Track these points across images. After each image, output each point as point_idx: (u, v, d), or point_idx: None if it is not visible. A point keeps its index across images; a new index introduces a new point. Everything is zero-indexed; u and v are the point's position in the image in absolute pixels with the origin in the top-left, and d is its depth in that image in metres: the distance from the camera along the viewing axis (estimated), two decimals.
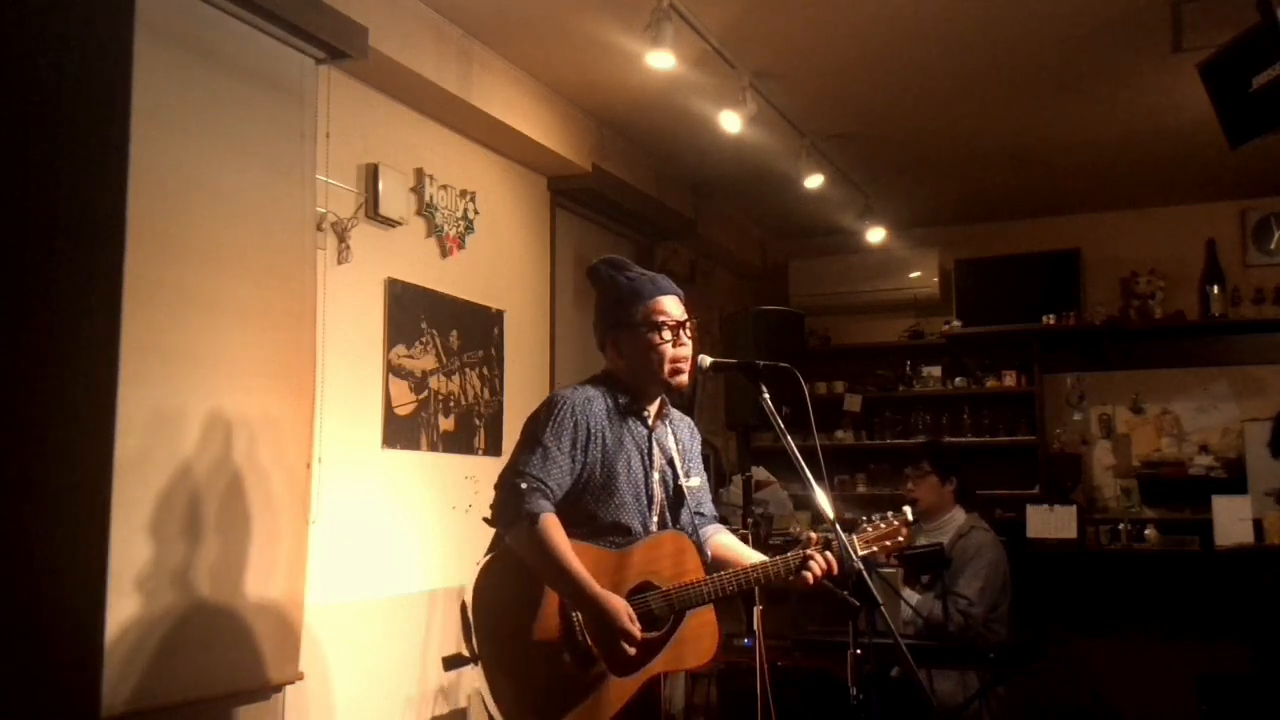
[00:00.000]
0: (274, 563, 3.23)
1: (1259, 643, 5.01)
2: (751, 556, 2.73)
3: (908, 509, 2.80)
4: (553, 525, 2.37)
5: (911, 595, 4.14)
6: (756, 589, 2.86)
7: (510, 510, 2.38)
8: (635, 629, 2.38)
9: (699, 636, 2.57)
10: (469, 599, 2.39)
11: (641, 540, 2.54)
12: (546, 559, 2.35)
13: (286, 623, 3.25)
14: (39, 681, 2.77)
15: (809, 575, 2.57)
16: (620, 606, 2.37)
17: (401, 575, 4.07)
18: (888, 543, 2.74)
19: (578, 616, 2.39)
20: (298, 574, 3.31)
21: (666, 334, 2.58)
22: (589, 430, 2.50)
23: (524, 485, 2.38)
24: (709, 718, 4.68)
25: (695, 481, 2.70)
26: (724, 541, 2.77)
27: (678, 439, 2.71)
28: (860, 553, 2.59)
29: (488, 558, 2.45)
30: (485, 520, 2.49)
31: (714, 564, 2.66)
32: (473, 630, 2.36)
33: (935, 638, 3.95)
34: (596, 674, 2.41)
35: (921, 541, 4.28)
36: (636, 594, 2.48)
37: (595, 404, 2.55)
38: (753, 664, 3.05)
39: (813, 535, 2.67)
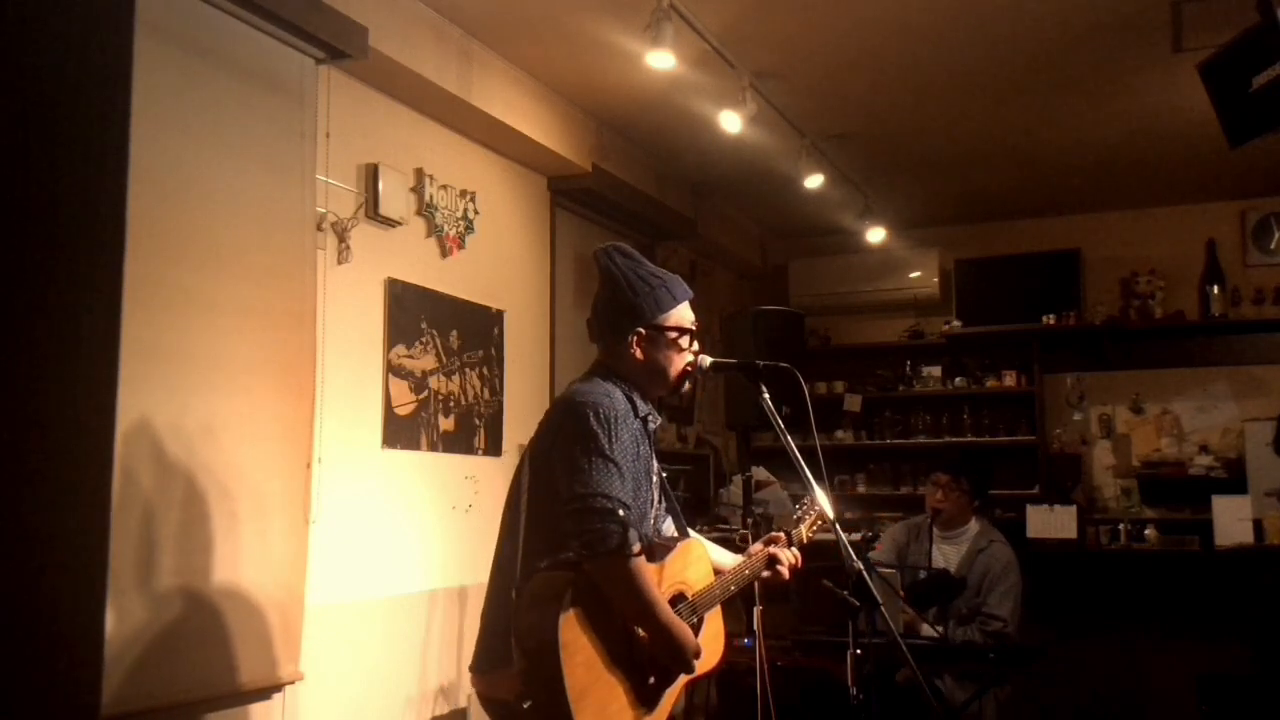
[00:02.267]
0: (274, 563, 3.23)
1: (1259, 643, 5.01)
2: (712, 546, 2.80)
3: (818, 490, 2.64)
4: (644, 559, 2.31)
5: (930, 629, 4.01)
6: (756, 588, 2.88)
7: (615, 538, 2.22)
8: (699, 648, 2.45)
9: (714, 636, 2.59)
10: (557, 638, 2.18)
11: (672, 551, 2.52)
12: (640, 593, 2.28)
13: (286, 623, 3.25)
14: (39, 681, 2.77)
15: (783, 570, 2.70)
16: (690, 635, 2.42)
17: (401, 575, 4.07)
18: (814, 528, 2.92)
19: (640, 638, 2.35)
20: (298, 574, 3.31)
21: (688, 342, 2.58)
22: (636, 443, 2.43)
23: (622, 513, 2.25)
24: (709, 718, 4.67)
25: (664, 474, 2.70)
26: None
27: None
28: (830, 511, 2.68)
29: (564, 591, 2.23)
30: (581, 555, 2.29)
31: None
32: (562, 669, 2.18)
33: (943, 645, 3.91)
34: (652, 691, 2.40)
35: (939, 550, 4.25)
36: (672, 606, 2.47)
37: (628, 415, 2.45)
38: (753, 664, 3.05)
39: (779, 535, 2.78)
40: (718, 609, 2.61)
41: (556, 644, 2.18)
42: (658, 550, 2.50)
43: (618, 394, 2.46)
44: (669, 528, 2.69)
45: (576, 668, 2.20)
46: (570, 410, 2.41)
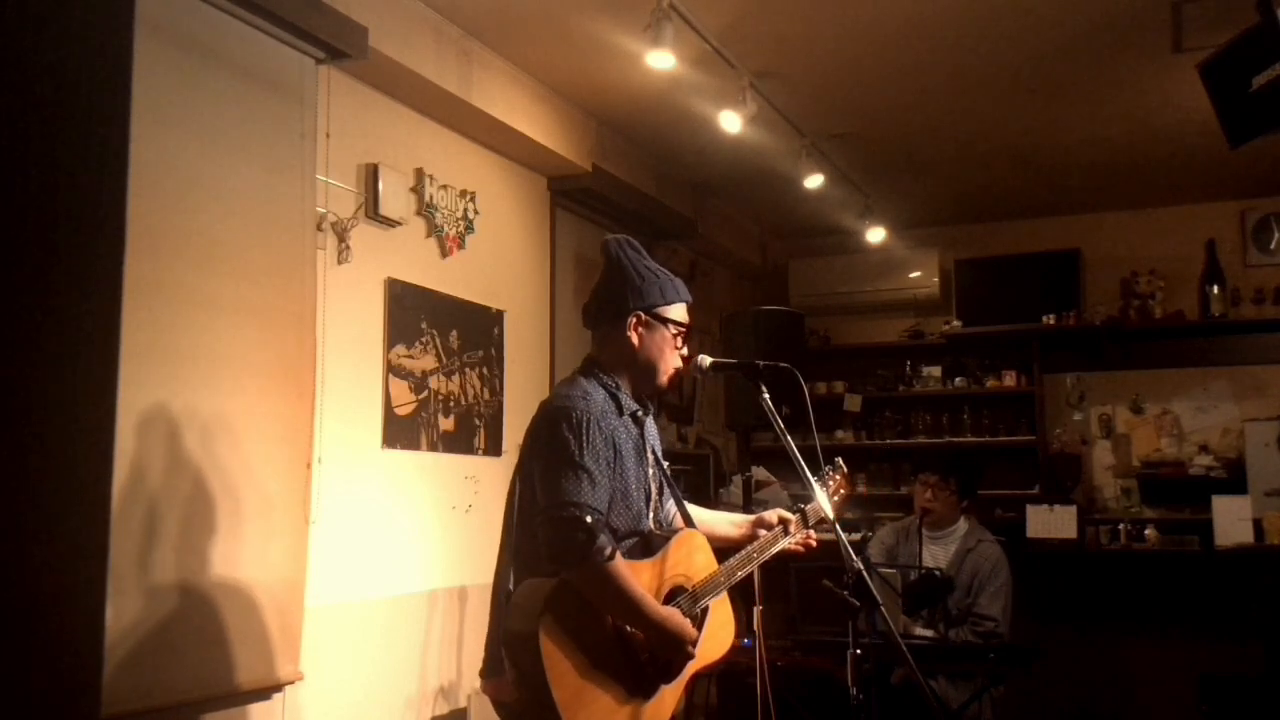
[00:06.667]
0: (274, 563, 3.23)
1: (1271, 643, 4.99)
2: (721, 519, 2.84)
3: (840, 459, 2.99)
4: (621, 559, 2.32)
5: (925, 630, 4.04)
6: (756, 588, 2.88)
7: (580, 548, 2.24)
8: (696, 636, 2.46)
9: (721, 625, 2.59)
10: (538, 646, 2.21)
11: (666, 546, 2.51)
12: (620, 595, 2.30)
13: (286, 623, 3.25)
14: (39, 681, 2.77)
15: (798, 545, 2.73)
16: (685, 623, 2.43)
17: (401, 575, 4.07)
18: (837, 498, 2.93)
19: (634, 635, 2.36)
20: (298, 574, 3.32)
21: (682, 341, 2.58)
22: (614, 445, 2.42)
23: (589, 520, 2.26)
24: (709, 718, 4.67)
25: (665, 463, 2.70)
26: (698, 517, 2.78)
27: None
28: (830, 511, 2.70)
29: (542, 599, 2.26)
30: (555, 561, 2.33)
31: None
32: (546, 675, 2.21)
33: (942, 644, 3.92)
34: (651, 687, 2.41)
35: (928, 551, 4.25)
36: (670, 600, 2.48)
37: (607, 414, 2.45)
38: (753, 664, 3.05)
39: (785, 515, 2.79)
40: (724, 597, 2.60)
41: (539, 652, 2.21)
42: (656, 543, 2.51)
43: (598, 394, 2.47)
44: (677, 519, 2.69)
45: (562, 675, 2.23)
46: (545, 417, 2.45)
